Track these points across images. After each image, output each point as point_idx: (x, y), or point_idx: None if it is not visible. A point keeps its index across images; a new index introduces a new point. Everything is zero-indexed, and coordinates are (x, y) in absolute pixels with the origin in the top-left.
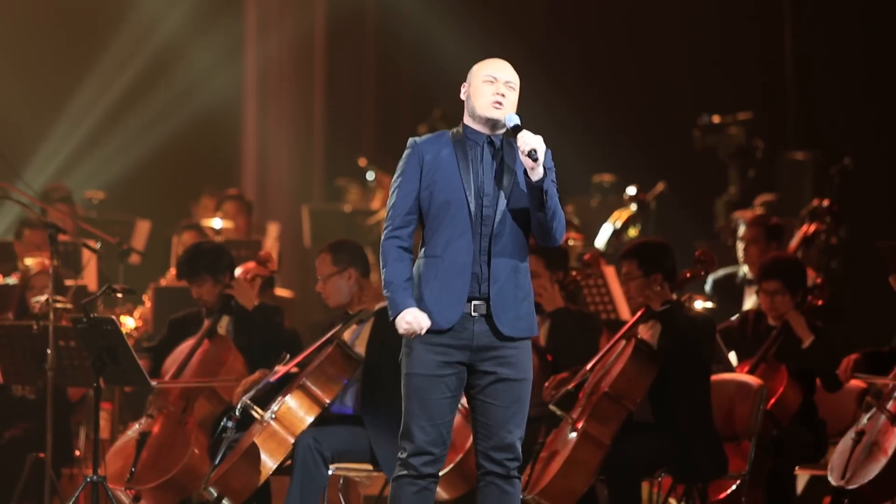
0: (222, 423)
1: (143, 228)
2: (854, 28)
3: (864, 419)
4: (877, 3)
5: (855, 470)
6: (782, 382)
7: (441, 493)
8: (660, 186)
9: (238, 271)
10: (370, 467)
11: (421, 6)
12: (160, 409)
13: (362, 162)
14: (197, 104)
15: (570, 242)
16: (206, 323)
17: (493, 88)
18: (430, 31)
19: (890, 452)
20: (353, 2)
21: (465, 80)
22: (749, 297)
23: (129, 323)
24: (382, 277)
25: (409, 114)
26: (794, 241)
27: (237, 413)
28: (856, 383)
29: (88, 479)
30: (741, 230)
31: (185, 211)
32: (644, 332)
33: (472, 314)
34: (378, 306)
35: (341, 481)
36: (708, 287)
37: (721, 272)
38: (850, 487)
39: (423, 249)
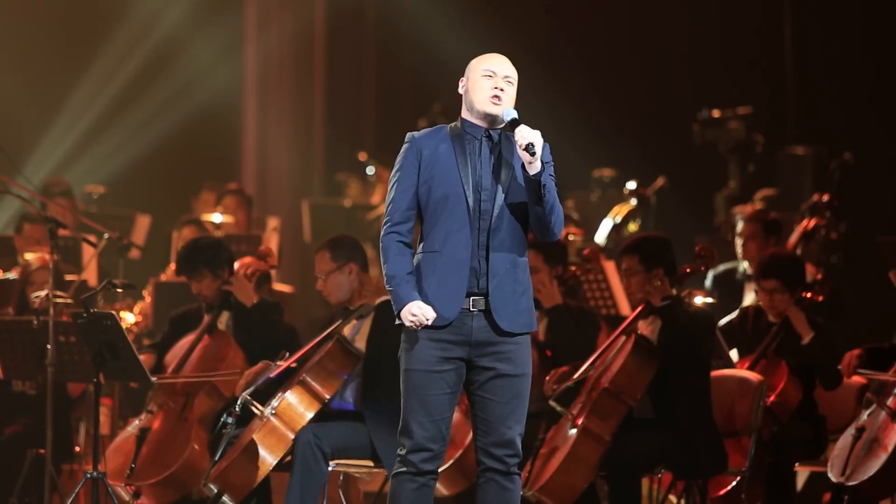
0: (222, 419)
1: (143, 223)
2: (854, 22)
3: (865, 415)
4: None
5: (855, 466)
6: (782, 379)
7: (441, 489)
8: (660, 181)
9: (235, 265)
10: (370, 463)
11: (421, 1)
12: (160, 405)
13: (362, 156)
14: (197, 99)
15: (570, 237)
16: (206, 318)
17: (491, 83)
18: (430, 25)
19: (890, 449)
20: None
21: (463, 75)
22: (749, 293)
23: (128, 318)
24: (384, 272)
25: (409, 108)
26: (794, 236)
27: (237, 409)
28: (856, 379)
29: (88, 476)
30: (740, 226)
31: (186, 206)
32: (644, 327)
33: (471, 309)
34: (379, 300)
35: (341, 477)
36: (708, 282)
37: (721, 267)
38: (851, 484)
39: (421, 245)
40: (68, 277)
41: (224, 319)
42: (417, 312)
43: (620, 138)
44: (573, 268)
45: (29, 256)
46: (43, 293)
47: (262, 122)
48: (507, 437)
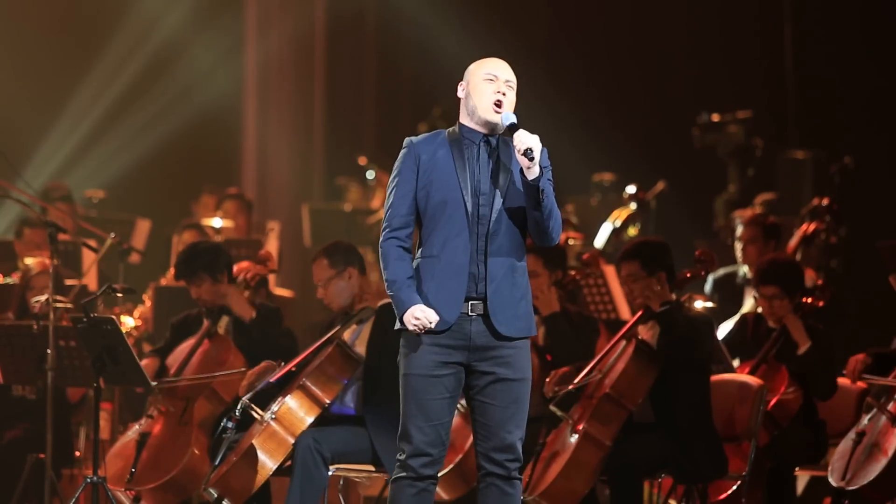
0: (222, 424)
1: (143, 227)
2: (854, 27)
3: (865, 420)
4: (877, 1)
5: (855, 471)
6: (783, 383)
7: (441, 493)
8: (660, 185)
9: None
10: (370, 468)
11: (421, 4)
12: (160, 410)
13: (362, 161)
14: (197, 103)
15: (570, 241)
16: (206, 323)
17: (494, 87)
18: (431, 29)
19: (890, 453)
20: (354, 0)
21: (462, 79)
22: (749, 297)
23: (128, 322)
24: (384, 278)
25: (409, 112)
26: (794, 240)
27: (237, 413)
28: (857, 384)
29: (88, 480)
30: (739, 230)
31: (186, 210)
32: (644, 332)
33: (470, 314)
34: (380, 303)
35: (341, 482)
36: (708, 287)
37: (721, 271)
38: (851, 488)
39: (419, 250)
40: (68, 282)
41: (224, 324)
42: (420, 316)
43: (620, 142)
44: (573, 272)
45: (29, 261)
46: (43, 298)
47: (262, 126)
48: (507, 441)
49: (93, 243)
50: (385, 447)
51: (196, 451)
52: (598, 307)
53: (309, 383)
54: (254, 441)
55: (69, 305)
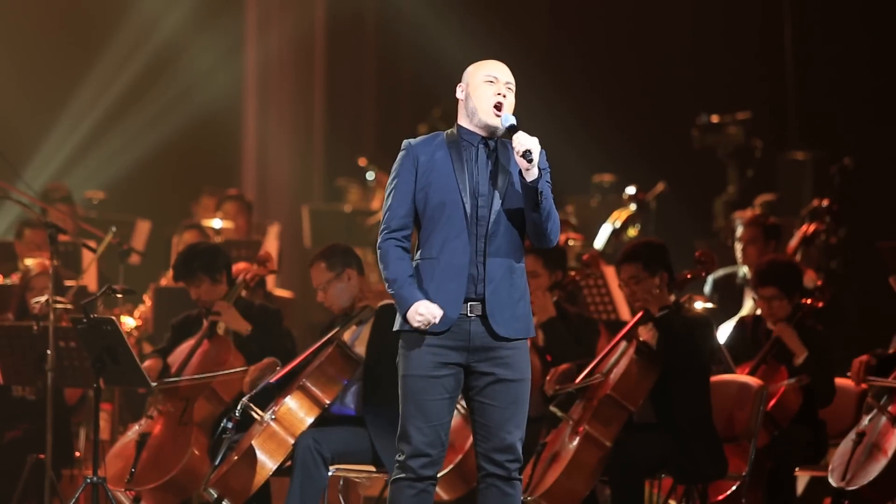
0: (222, 424)
1: (143, 228)
2: (854, 27)
3: (866, 420)
4: (877, 1)
5: (855, 471)
6: (782, 385)
7: (441, 493)
8: (660, 186)
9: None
10: (371, 468)
11: (421, 5)
12: (160, 410)
13: (362, 162)
14: (197, 104)
15: (570, 242)
16: (205, 323)
17: (494, 88)
18: (431, 30)
19: (890, 453)
20: (354, 1)
21: (461, 81)
22: (749, 297)
23: (129, 322)
24: (385, 277)
25: (409, 113)
26: (794, 241)
27: (237, 414)
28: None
29: (88, 480)
30: (739, 230)
31: (186, 211)
32: (644, 333)
33: (469, 315)
34: (381, 304)
35: (341, 482)
36: (708, 287)
37: (721, 272)
38: (851, 488)
39: (418, 252)
40: (67, 283)
41: (223, 324)
42: (424, 312)
43: (620, 143)
44: (573, 273)
45: (29, 262)
46: (43, 299)
47: (262, 126)
48: (507, 442)
49: (92, 244)
50: (385, 449)
51: (196, 452)
52: (598, 308)
53: (309, 384)
54: (254, 441)
55: (69, 306)
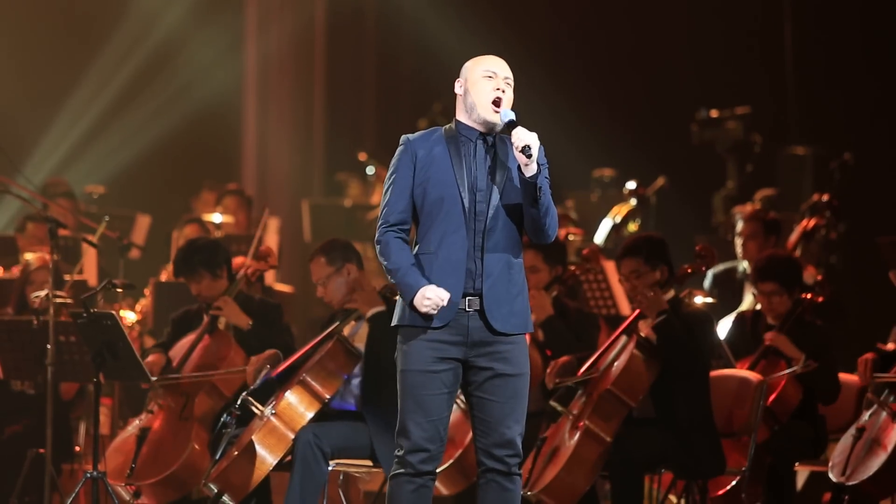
0: (222, 419)
1: (143, 223)
2: (854, 22)
3: (866, 416)
4: None
5: (855, 466)
6: (782, 379)
7: (441, 488)
8: (660, 181)
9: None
10: (370, 463)
11: (421, 0)
12: (160, 405)
13: (362, 156)
14: (197, 99)
15: (570, 237)
16: (206, 318)
17: (493, 83)
18: (430, 25)
19: (890, 448)
20: None
21: (459, 76)
22: (749, 292)
23: (129, 317)
24: (387, 268)
25: (409, 108)
26: (794, 236)
27: (237, 408)
28: (856, 379)
29: (88, 475)
30: (739, 225)
31: (186, 206)
32: (644, 328)
33: (467, 310)
34: (371, 312)
35: (341, 477)
36: (707, 282)
37: (721, 267)
38: (851, 483)
39: (416, 247)
40: (66, 277)
41: (224, 319)
42: (432, 295)
43: (620, 138)
44: (573, 268)
45: (28, 256)
46: (43, 293)
47: (262, 122)
48: (507, 437)
49: (92, 238)
50: (384, 448)
51: (196, 447)
52: (598, 303)
53: (309, 378)
54: (254, 436)
55: (69, 301)
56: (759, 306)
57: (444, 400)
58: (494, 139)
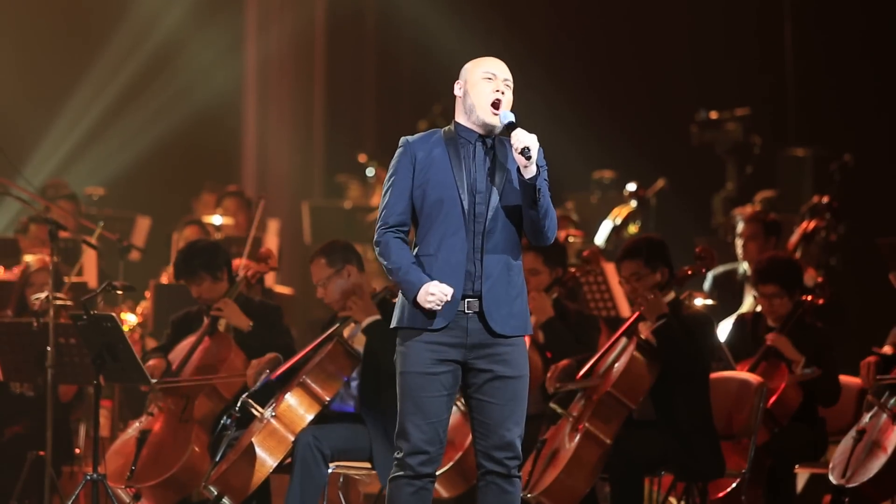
0: (222, 421)
1: (143, 225)
2: (855, 23)
3: (866, 418)
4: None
5: (855, 468)
6: (783, 381)
7: (441, 491)
8: (660, 183)
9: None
10: (370, 465)
11: (421, 1)
12: (160, 407)
13: (362, 158)
14: (197, 100)
15: (570, 239)
16: (206, 321)
17: (492, 85)
18: (431, 26)
19: (890, 450)
20: None
21: (459, 78)
22: (749, 294)
23: (130, 319)
24: (387, 268)
25: (409, 110)
26: (794, 238)
27: (237, 411)
28: (856, 381)
29: (88, 477)
30: (740, 226)
31: (186, 207)
32: (644, 330)
33: (466, 311)
34: (366, 322)
35: (341, 479)
36: (707, 284)
37: (721, 269)
38: (851, 486)
39: (415, 249)
40: (65, 279)
41: (224, 321)
42: (435, 291)
43: (621, 140)
44: (573, 269)
45: (28, 258)
46: (43, 295)
47: (262, 123)
48: (506, 439)
49: (92, 240)
50: (379, 462)
51: (196, 449)
52: (598, 304)
53: (309, 381)
54: (254, 439)
55: (69, 303)
56: (759, 308)
57: (443, 402)
58: (494, 141)
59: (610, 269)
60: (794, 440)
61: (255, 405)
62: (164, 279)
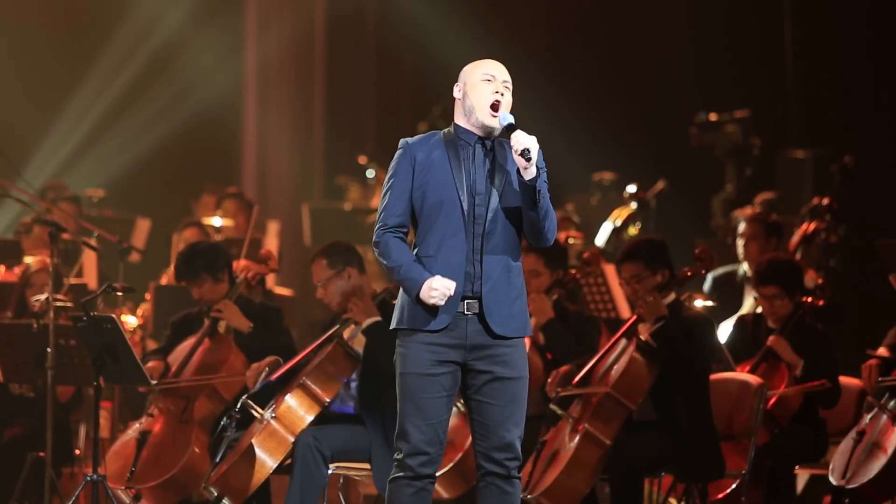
0: (222, 422)
1: (143, 227)
2: (855, 25)
3: (867, 419)
4: (877, 1)
5: (856, 469)
6: (783, 382)
7: (441, 492)
8: (660, 184)
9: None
10: (370, 466)
11: (421, 3)
12: (160, 408)
13: (362, 160)
14: (197, 102)
15: (570, 240)
16: (207, 322)
17: (492, 87)
18: (431, 28)
19: (890, 451)
20: None
21: (458, 80)
22: (749, 295)
23: (130, 321)
24: (388, 266)
25: (409, 111)
26: (795, 239)
27: (237, 412)
28: (856, 383)
29: (88, 478)
30: (741, 227)
31: (186, 209)
32: (644, 331)
33: (465, 313)
34: (365, 323)
35: (341, 480)
36: (707, 285)
37: (721, 270)
38: (851, 487)
39: (415, 250)
40: (64, 280)
41: (225, 322)
42: (438, 286)
43: (621, 142)
44: (573, 271)
45: (29, 259)
46: (43, 296)
47: (262, 125)
48: (506, 440)
49: (93, 242)
50: (378, 466)
51: (196, 450)
52: (599, 306)
53: (309, 382)
54: (254, 440)
55: (69, 304)
56: (759, 309)
57: (443, 403)
58: (493, 143)
59: (610, 270)
60: (795, 441)
61: (255, 406)
62: (164, 281)
